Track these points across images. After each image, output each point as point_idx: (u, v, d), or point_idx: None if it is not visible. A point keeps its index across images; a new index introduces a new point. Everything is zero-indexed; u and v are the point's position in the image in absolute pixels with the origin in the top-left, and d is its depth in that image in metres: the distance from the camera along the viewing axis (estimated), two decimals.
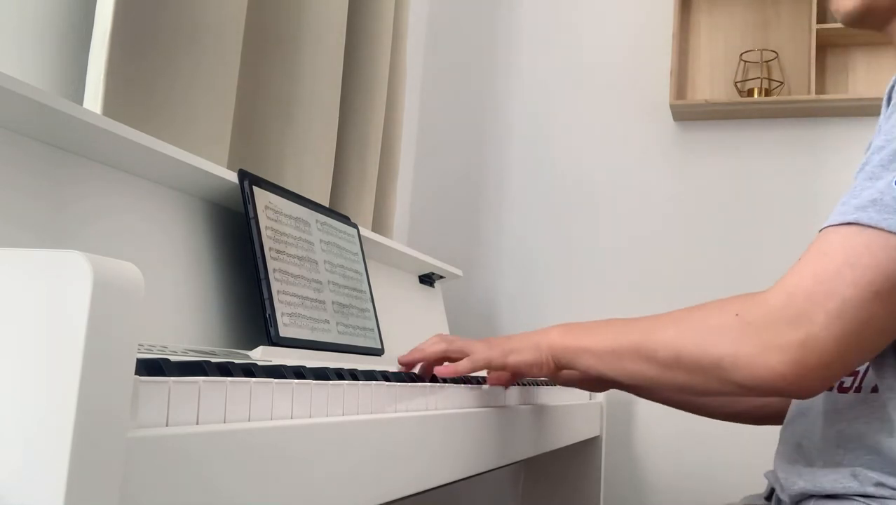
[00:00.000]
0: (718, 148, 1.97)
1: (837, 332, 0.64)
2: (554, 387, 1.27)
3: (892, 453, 0.71)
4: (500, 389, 0.99)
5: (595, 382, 1.09)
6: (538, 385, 1.19)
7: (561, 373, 1.06)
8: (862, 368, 0.77)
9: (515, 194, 2.10)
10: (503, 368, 0.89)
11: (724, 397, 1.07)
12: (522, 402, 1.06)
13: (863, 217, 0.65)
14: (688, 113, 1.96)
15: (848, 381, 0.79)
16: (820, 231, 0.69)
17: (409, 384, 0.75)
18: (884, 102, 0.75)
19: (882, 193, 0.65)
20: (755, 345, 0.66)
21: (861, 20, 0.85)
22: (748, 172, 1.93)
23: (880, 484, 0.71)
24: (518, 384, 1.09)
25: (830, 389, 0.80)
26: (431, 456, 0.74)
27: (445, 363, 0.89)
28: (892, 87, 0.73)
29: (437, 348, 0.90)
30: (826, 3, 0.90)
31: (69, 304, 0.36)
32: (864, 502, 0.72)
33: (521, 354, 0.87)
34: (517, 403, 1.03)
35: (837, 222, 0.67)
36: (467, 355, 0.89)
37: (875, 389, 0.74)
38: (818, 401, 0.81)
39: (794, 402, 0.87)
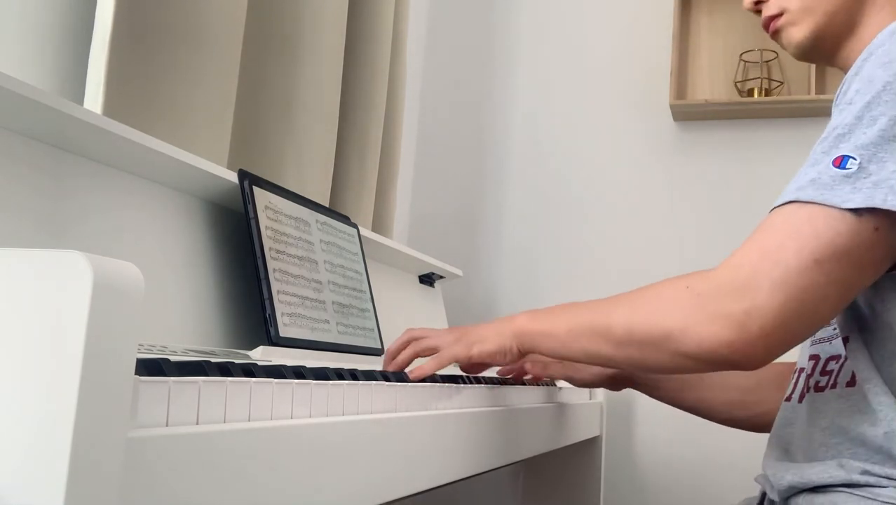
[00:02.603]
0: (718, 148, 1.97)
1: (780, 298, 0.67)
2: (553, 387, 1.27)
3: (877, 442, 0.73)
4: (501, 389, 0.99)
5: (610, 381, 1.10)
6: (538, 385, 1.19)
7: (579, 376, 1.08)
8: (836, 367, 0.80)
9: (515, 194, 2.10)
10: (468, 360, 0.91)
11: (728, 401, 1.09)
12: (523, 402, 1.06)
13: (801, 195, 0.69)
14: (688, 113, 1.96)
15: (823, 380, 0.81)
16: (770, 212, 0.72)
17: (409, 384, 0.75)
18: (833, 111, 0.79)
19: (820, 174, 0.69)
20: (702, 315, 0.70)
21: (812, 50, 0.89)
22: (748, 172, 1.93)
23: (866, 472, 0.73)
24: (524, 383, 1.10)
25: (808, 390, 0.82)
26: (432, 456, 0.74)
27: (414, 362, 0.91)
28: (838, 94, 0.78)
29: (405, 357, 0.92)
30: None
31: (69, 304, 0.36)
32: (849, 492, 0.73)
33: (484, 343, 0.89)
34: (517, 403, 1.03)
35: (780, 203, 0.71)
36: (436, 351, 0.90)
37: (850, 384, 0.77)
38: (802, 409, 0.83)
39: (781, 413, 0.88)
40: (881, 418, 0.72)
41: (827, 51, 0.88)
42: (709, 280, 0.71)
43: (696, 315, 0.70)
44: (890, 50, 0.70)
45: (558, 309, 0.87)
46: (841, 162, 0.68)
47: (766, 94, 1.89)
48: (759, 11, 0.91)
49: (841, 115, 0.72)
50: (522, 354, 0.89)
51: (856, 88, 0.72)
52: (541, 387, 1.19)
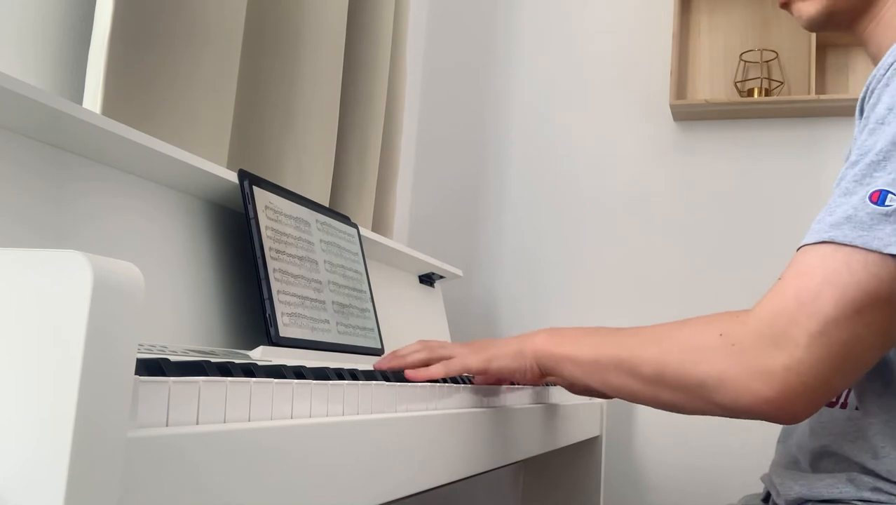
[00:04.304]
0: (718, 148, 1.97)
1: (822, 353, 0.62)
2: (554, 387, 1.27)
3: (880, 472, 0.72)
4: (500, 389, 0.99)
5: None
6: (537, 385, 1.19)
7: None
8: None
9: (515, 194, 2.10)
10: (484, 372, 0.88)
11: None
12: (523, 402, 1.06)
13: (838, 235, 0.64)
14: (688, 113, 1.96)
15: None
16: (798, 249, 0.68)
17: (409, 384, 0.75)
18: (857, 113, 0.74)
19: (856, 210, 0.64)
20: (740, 368, 0.65)
21: (825, 24, 0.85)
22: (748, 172, 1.93)
23: (877, 489, 0.72)
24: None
25: None
26: (431, 456, 0.74)
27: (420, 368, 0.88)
28: (864, 97, 0.72)
29: (417, 357, 0.88)
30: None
31: (69, 304, 0.35)
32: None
33: (502, 360, 0.86)
34: (517, 403, 1.03)
35: (814, 241, 0.66)
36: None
37: (858, 407, 0.75)
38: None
39: None
40: (882, 456, 0.71)
41: (842, 25, 0.84)
42: (744, 328, 0.66)
43: (732, 368, 0.65)
44: None
45: (580, 334, 0.83)
46: (879, 198, 0.63)
47: (766, 94, 1.89)
48: None
49: (873, 137, 0.66)
50: (544, 375, 0.86)
51: (888, 105, 0.66)
52: (538, 387, 1.19)
